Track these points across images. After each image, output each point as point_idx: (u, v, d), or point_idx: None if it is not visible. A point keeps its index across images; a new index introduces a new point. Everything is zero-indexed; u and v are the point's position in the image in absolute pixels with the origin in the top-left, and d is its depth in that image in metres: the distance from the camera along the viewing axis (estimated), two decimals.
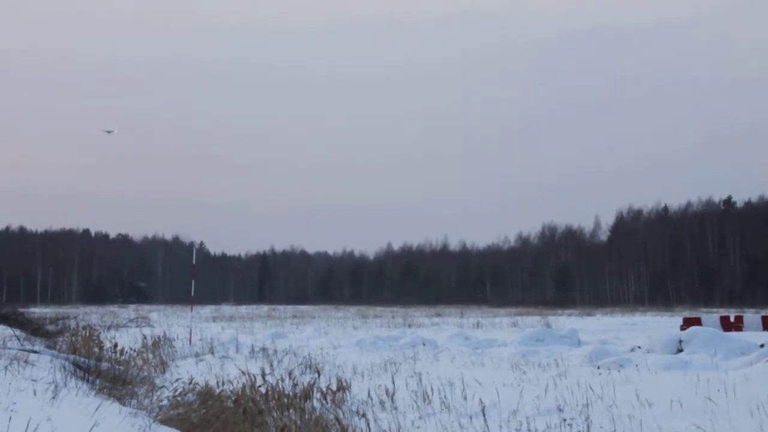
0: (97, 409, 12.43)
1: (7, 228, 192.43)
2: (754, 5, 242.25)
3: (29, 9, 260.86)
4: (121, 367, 17.67)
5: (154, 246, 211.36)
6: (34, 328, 31.92)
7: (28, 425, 9.33)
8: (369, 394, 15.38)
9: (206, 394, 13.87)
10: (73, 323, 35.66)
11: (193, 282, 37.41)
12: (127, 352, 20.85)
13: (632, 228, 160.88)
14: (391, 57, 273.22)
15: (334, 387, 14.77)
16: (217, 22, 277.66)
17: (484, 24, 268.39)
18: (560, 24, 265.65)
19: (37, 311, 59.39)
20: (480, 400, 14.17)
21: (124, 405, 14.22)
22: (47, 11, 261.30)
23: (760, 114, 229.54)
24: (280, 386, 14.22)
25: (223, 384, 14.98)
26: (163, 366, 22.39)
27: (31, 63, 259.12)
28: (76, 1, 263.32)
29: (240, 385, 14.47)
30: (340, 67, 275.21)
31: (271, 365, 21.74)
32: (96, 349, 19.78)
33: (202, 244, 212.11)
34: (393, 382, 16.88)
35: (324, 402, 14.17)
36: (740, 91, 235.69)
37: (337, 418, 13.44)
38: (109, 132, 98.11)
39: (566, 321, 58.74)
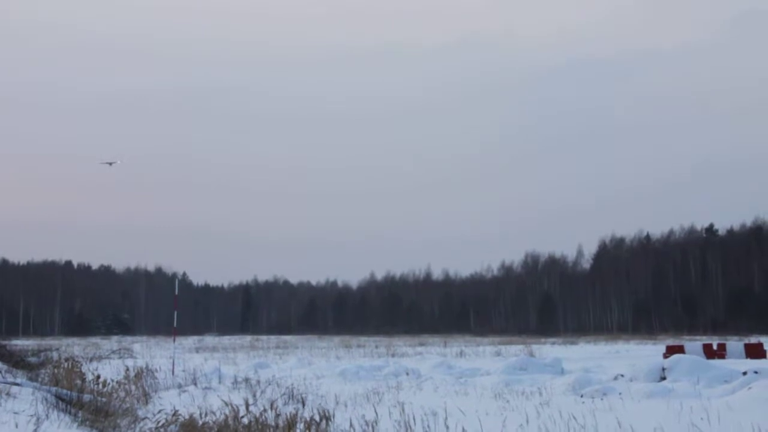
0: None
1: None
2: (739, 39, 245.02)
3: (4, 37, 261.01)
4: (104, 399, 17.62)
5: (136, 277, 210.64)
6: (15, 361, 31.79)
7: None
8: (351, 424, 15.36)
9: (189, 426, 13.85)
10: (55, 355, 35.58)
11: (175, 313, 37.30)
12: (109, 384, 20.78)
13: (615, 256, 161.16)
14: (375, 88, 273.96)
15: (317, 417, 14.74)
16: (205, 50, 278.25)
17: (468, 56, 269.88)
18: (545, 56, 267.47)
19: (19, 343, 59.09)
20: (463, 429, 14.17)
21: None
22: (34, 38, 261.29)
23: (741, 143, 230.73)
24: (263, 417, 14.19)
25: (206, 415, 14.95)
26: (146, 397, 22.32)
27: (11, 92, 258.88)
28: (68, 28, 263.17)
29: (223, 416, 14.45)
30: (328, 96, 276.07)
31: (254, 396, 21.70)
32: (78, 381, 19.72)
33: (184, 274, 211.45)
34: (376, 412, 16.86)
35: None
36: (722, 121, 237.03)
37: None
38: (110, 164, 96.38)
39: (549, 349, 58.74)
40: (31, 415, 14.12)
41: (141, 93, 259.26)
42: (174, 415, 14.94)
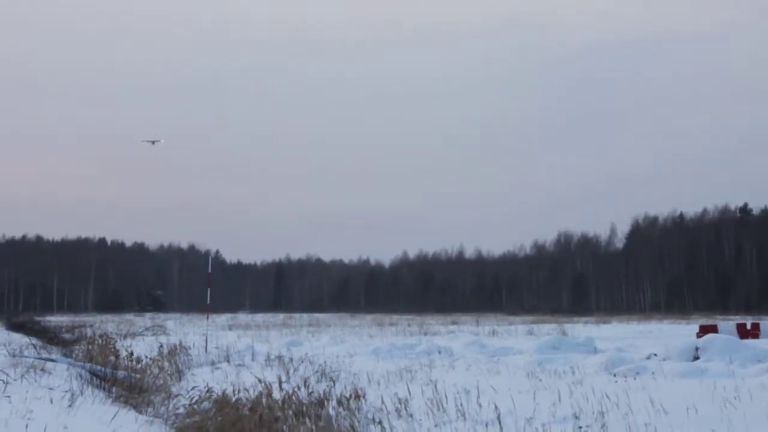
0: (113, 417, 12.48)
1: (24, 237, 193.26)
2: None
3: (46, 21, 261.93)
4: (138, 376, 17.72)
5: (170, 254, 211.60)
6: (50, 337, 32.06)
7: None
8: (384, 402, 15.37)
9: (222, 402, 13.90)
10: (89, 332, 35.78)
11: (208, 290, 37.41)
12: (143, 361, 20.90)
13: (648, 235, 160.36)
14: (411, 67, 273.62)
15: (349, 395, 14.75)
16: (236, 31, 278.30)
17: (506, 35, 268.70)
18: (581, 35, 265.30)
19: (54, 320, 59.58)
20: (495, 407, 14.13)
21: (140, 413, 14.28)
22: (59, 22, 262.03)
23: None
24: (296, 394, 14.22)
25: (239, 392, 15.01)
26: (179, 374, 22.44)
27: (46, 73, 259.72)
28: (89, 11, 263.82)
29: (256, 393, 14.47)
30: (364, 75, 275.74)
31: (287, 373, 21.76)
32: (112, 358, 19.84)
33: (217, 252, 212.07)
34: (408, 390, 16.87)
35: (340, 410, 14.16)
36: (756, 98, 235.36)
37: (352, 426, 13.45)
38: (153, 142, 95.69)
39: (582, 329, 58.59)
40: (66, 391, 14.21)
41: (177, 75, 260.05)
42: (207, 391, 14.99)
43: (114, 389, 16.21)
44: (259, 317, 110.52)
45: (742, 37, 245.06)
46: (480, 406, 14.99)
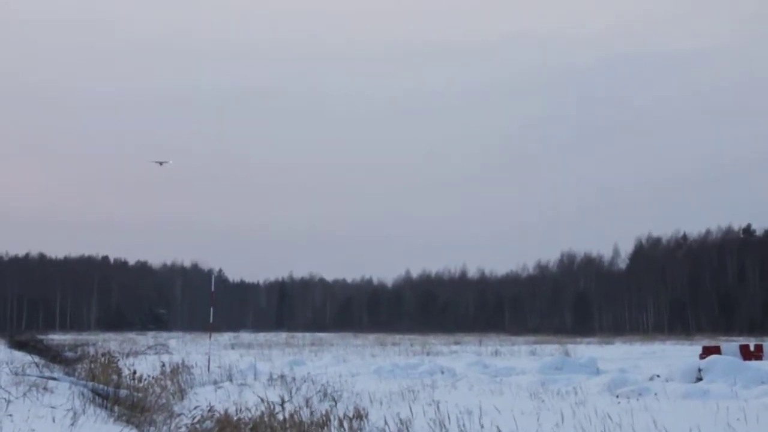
0: None
1: (27, 254, 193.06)
2: None
3: (52, 36, 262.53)
4: (140, 395, 17.70)
5: (172, 273, 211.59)
6: (53, 355, 31.98)
7: None
8: (386, 422, 15.36)
9: (224, 422, 13.90)
10: (91, 350, 35.72)
11: (211, 309, 37.40)
12: (145, 379, 20.87)
13: (651, 256, 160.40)
14: (415, 85, 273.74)
15: (351, 415, 14.74)
16: (235, 49, 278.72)
17: (508, 52, 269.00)
18: (583, 52, 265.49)
19: (56, 338, 59.47)
20: (498, 428, 14.13)
21: None
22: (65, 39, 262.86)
23: None
24: (299, 414, 14.21)
25: (241, 411, 15.01)
26: (182, 393, 22.42)
27: (50, 89, 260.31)
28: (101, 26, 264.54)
29: (258, 413, 14.48)
30: (367, 93, 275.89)
31: (290, 393, 21.73)
32: (115, 376, 19.84)
33: (220, 271, 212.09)
34: (411, 410, 16.86)
35: (342, 430, 14.15)
36: (760, 117, 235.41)
37: None
38: (161, 163, 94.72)
39: (585, 349, 58.50)
40: (68, 410, 14.21)
41: (179, 91, 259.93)
42: (209, 411, 15.01)
43: (116, 408, 16.20)
44: (262, 336, 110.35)
45: (744, 53, 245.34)
46: (482, 426, 14.98)
